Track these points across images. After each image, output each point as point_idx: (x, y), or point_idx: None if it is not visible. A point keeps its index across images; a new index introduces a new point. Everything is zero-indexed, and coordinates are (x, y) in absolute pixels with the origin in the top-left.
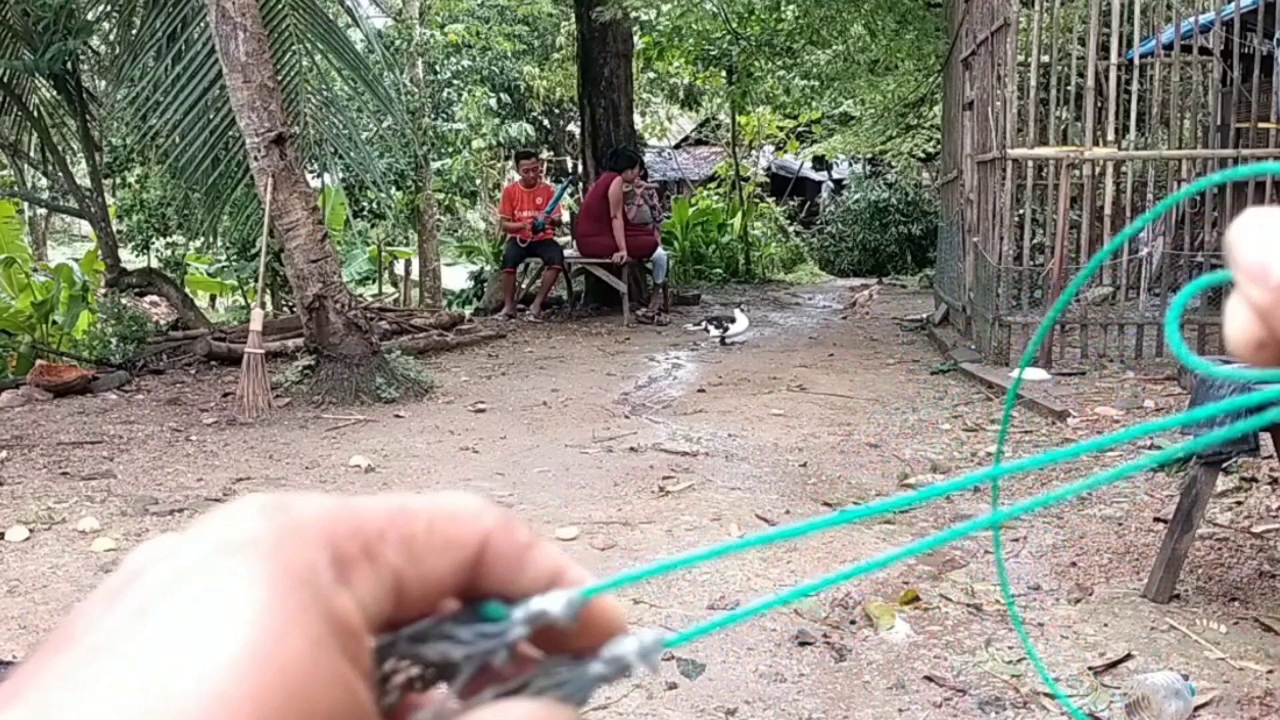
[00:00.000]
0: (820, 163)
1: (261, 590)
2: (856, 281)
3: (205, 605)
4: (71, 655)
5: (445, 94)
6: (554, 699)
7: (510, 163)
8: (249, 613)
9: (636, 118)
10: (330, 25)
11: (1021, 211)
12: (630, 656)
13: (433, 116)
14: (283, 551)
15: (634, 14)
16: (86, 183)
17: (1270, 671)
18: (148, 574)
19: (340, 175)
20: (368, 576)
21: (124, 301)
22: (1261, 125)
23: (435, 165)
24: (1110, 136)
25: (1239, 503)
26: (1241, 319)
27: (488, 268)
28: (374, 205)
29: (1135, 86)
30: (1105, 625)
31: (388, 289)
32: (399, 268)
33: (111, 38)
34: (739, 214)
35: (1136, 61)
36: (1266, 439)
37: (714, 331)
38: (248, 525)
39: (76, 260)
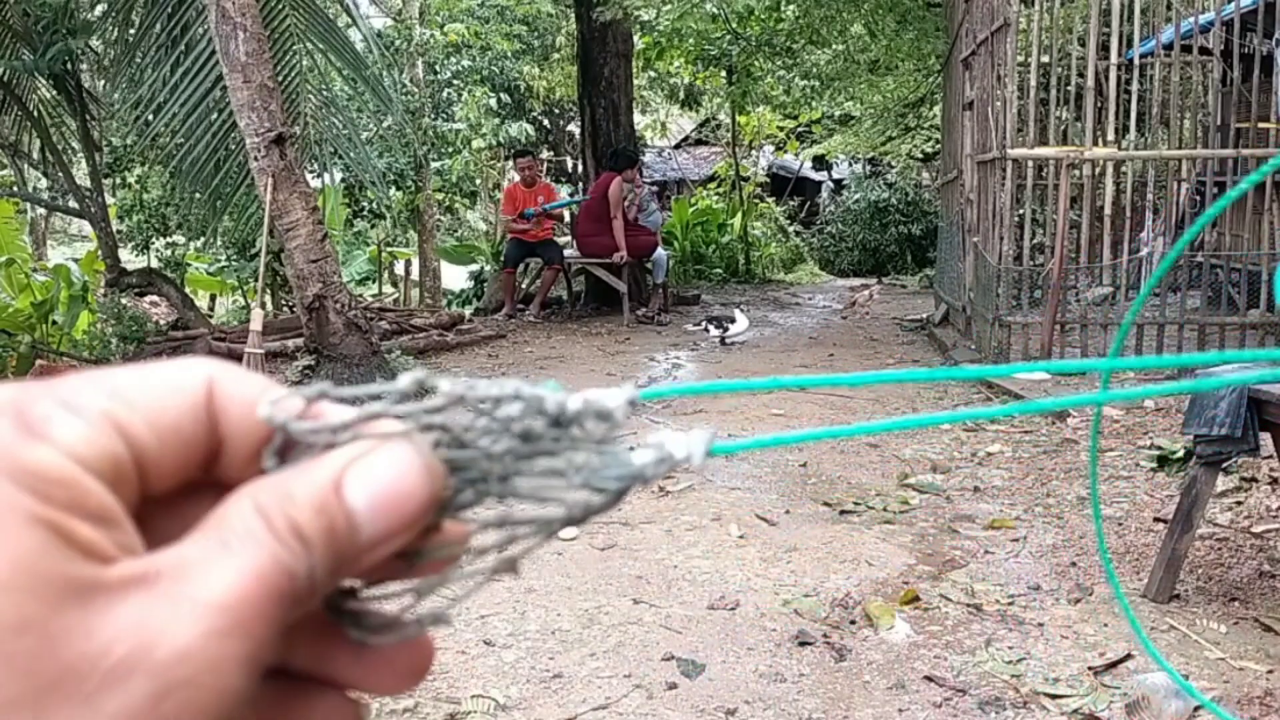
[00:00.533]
0: (820, 163)
1: None
2: (856, 281)
3: None
4: None
5: (445, 94)
6: (579, 485)
7: (510, 162)
8: None
9: (638, 116)
10: (330, 25)
11: (1021, 211)
12: (679, 450)
13: (433, 116)
14: None
15: (634, 14)
16: (86, 183)
17: (1270, 671)
18: None
19: (340, 175)
20: (69, 422)
21: (124, 301)
22: (1261, 125)
23: (435, 165)
24: (1110, 136)
25: (1239, 503)
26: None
27: (488, 268)
28: (374, 205)
29: (1135, 86)
30: (1105, 625)
31: (388, 289)
32: (399, 268)
33: (111, 38)
34: (739, 214)
35: (1136, 61)
36: (1267, 439)
37: (714, 331)
38: None
39: (76, 260)
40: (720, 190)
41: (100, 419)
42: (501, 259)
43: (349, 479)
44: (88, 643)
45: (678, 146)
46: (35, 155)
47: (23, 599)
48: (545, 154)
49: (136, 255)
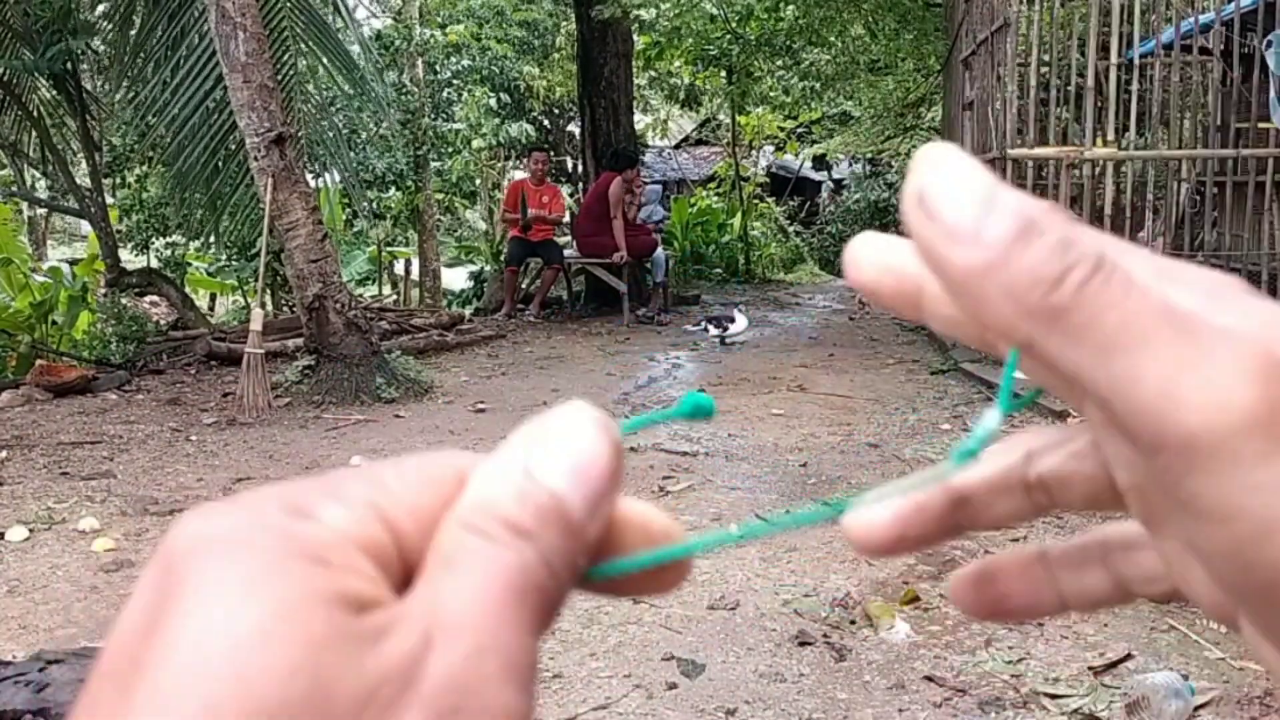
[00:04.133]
0: (820, 163)
1: (213, 560)
2: None
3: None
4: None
5: (445, 94)
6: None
7: (510, 162)
8: (220, 591)
9: (638, 116)
10: (325, 27)
11: None
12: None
13: (433, 116)
14: (225, 526)
15: (634, 13)
16: (86, 183)
17: (1270, 671)
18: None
19: (339, 176)
20: (335, 508)
21: (124, 301)
22: (1261, 125)
23: (435, 165)
24: (1110, 136)
25: None
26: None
27: (487, 268)
28: (374, 205)
29: (1135, 86)
30: (1105, 625)
31: (387, 289)
32: (399, 268)
33: (111, 38)
34: (739, 214)
35: (1136, 61)
36: None
37: (714, 331)
38: (187, 527)
39: (73, 262)
40: (720, 190)
41: (364, 507)
42: (502, 259)
43: (533, 461)
44: (359, 684)
45: (678, 146)
46: (35, 155)
47: (293, 646)
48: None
49: (136, 255)
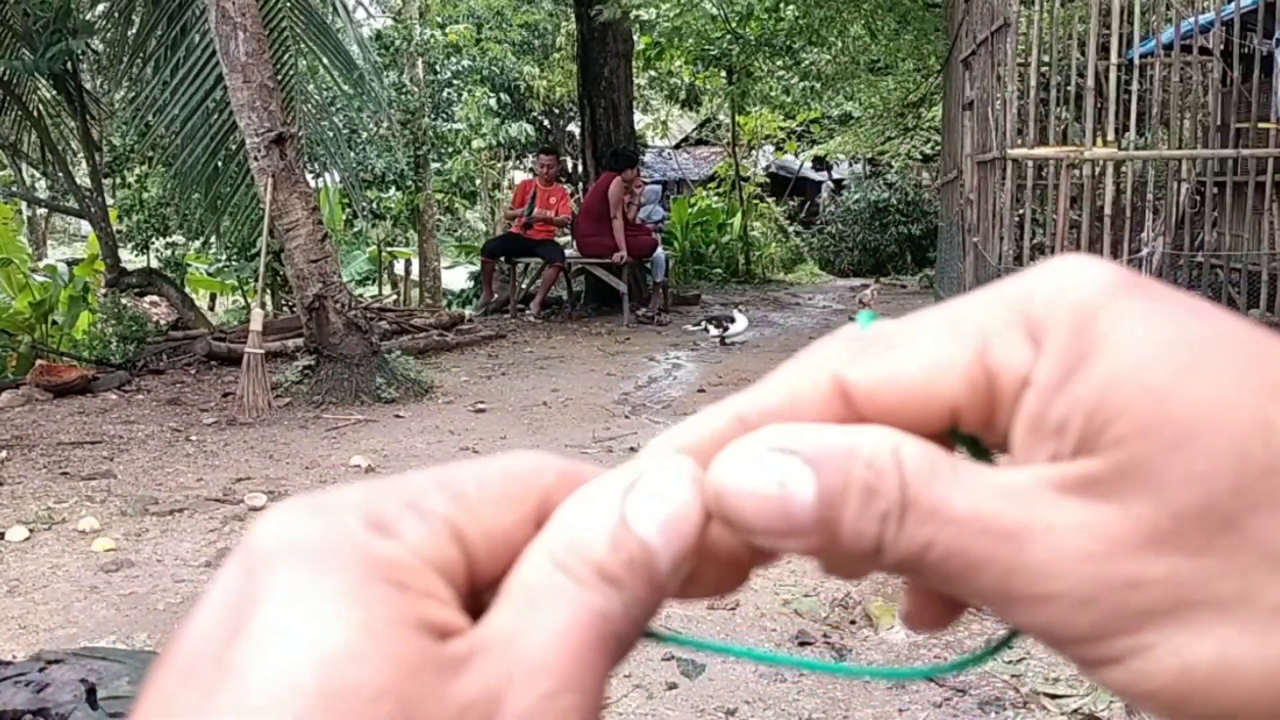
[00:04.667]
0: (820, 163)
1: (295, 570)
2: (857, 282)
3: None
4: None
5: (445, 94)
6: None
7: (510, 162)
8: (299, 609)
9: (638, 116)
10: (325, 27)
11: (1021, 211)
12: None
13: (433, 116)
14: (308, 533)
15: (634, 13)
16: (86, 183)
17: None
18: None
19: (339, 175)
20: (415, 526)
21: (124, 301)
22: (1261, 125)
23: (435, 165)
24: (1110, 136)
25: None
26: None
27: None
28: (374, 205)
29: (1135, 86)
30: None
31: (387, 289)
32: (399, 268)
33: (111, 38)
34: (739, 214)
35: (1136, 62)
36: None
37: (714, 331)
38: (268, 529)
39: (77, 260)
40: (720, 190)
41: (442, 526)
42: (482, 248)
43: (631, 509)
44: (441, 712)
45: (678, 146)
46: (35, 155)
47: (381, 669)
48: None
49: (136, 255)
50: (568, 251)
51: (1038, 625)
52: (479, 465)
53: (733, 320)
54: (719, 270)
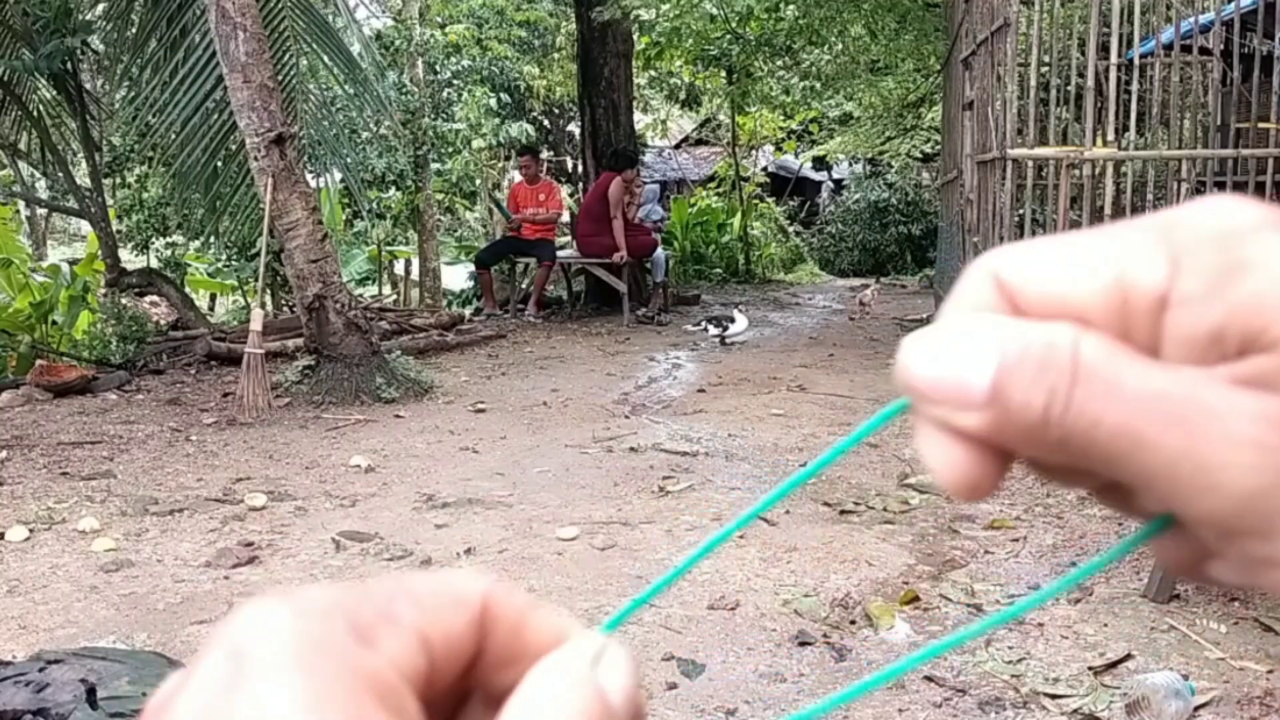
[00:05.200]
0: (820, 163)
1: (291, 675)
2: (857, 282)
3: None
4: None
5: (445, 94)
6: None
7: (510, 162)
8: (286, 700)
9: (638, 116)
10: (326, 27)
11: (1021, 211)
12: None
13: (433, 116)
14: (298, 635)
15: (634, 14)
16: (86, 183)
17: (1270, 671)
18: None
19: (339, 175)
20: (392, 637)
21: (124, 301)
22: (1261, 125)
23: (435, 165)
24: (1110, 136)
25: None
26: (952, 458)
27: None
28: (374, 205)
29: (1135, 87)
30: (1105, 625)
31: (387, 289)
32: (399, 268)
33: (111, 38)
34: (739, 214)
35: (1136, 62)
36: None
37: (713, 331)
38: (257, 626)
39: (77, 260)
40: (720, 190)
41: (415, 638)
42: (476, 259)
43: (605, 680)
44: None
45: (678, 146)
46: (35, 155)
47: None
48: (545, 154)
49: (136, 255)
50: (568, 252)
51: (1200, 513)
52: (424, 576)
53: (733, 320)
54: (719, 270)
